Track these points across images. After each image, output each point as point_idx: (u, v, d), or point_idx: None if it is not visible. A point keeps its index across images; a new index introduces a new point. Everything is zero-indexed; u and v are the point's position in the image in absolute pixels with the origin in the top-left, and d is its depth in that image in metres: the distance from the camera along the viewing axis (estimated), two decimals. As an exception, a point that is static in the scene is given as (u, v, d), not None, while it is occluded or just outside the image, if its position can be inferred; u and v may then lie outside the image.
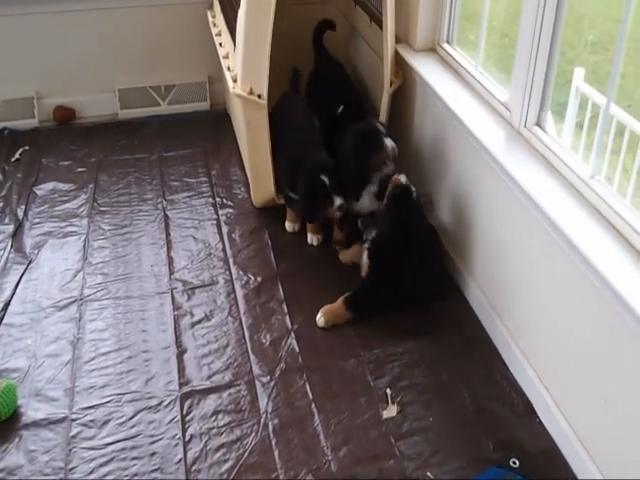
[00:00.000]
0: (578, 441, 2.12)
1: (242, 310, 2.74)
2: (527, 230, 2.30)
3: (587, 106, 2.95)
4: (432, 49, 3.17)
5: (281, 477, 2.12)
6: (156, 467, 2.14)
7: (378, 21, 3.27)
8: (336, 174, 2.85)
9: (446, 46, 3.10)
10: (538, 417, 2.31)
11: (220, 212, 3.31)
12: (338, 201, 2.83)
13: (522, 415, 2.32)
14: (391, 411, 2.33)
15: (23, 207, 3.30)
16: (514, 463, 2.13)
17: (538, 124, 2.45)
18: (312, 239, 3.10)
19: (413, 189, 2.66)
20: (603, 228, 2.01)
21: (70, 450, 2.19)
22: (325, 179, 2.81)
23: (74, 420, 2.28)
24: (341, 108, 3.33)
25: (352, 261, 2.90)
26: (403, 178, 2.66)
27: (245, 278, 2.90)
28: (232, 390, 2.40)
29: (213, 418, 2.30)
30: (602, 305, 1.91)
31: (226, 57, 3.34)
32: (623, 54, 1.97)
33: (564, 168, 2.24)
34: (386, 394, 2.38)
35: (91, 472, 2.12)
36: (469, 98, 2.77)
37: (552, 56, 2.35)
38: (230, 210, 3.32)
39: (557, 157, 2.28)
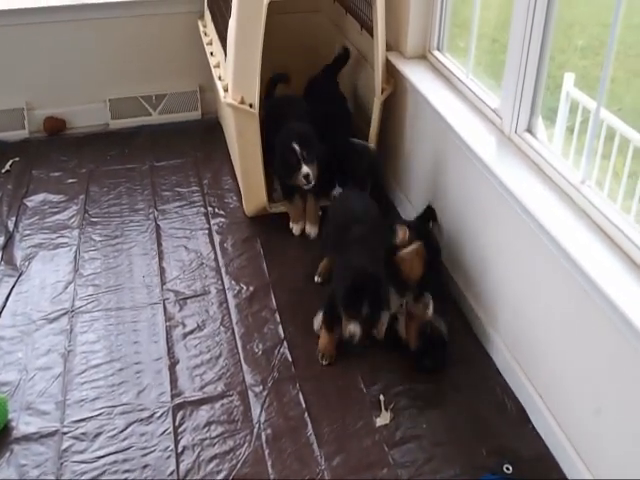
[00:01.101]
0: (571, 447, 2.11)
1: (234, 320, 2.72)
2: (518, 236, 2.29)
3: (577, 111, 2.96)
4: (423, 56, 3.18)
5: (274, 488, 2.11)
6: (149, 479, 2.13)
7: (369, 29, 3.27)
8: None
9: (437, 53, 3.10)
10: (531, 423, 2.30)
11: (212, 221, 3.29)
12: (305, 169, 2.88)
13: (515, 421, 2.31)
14: (385, 418, 2.31)
15: (13, 219, 3.28)
16: (507, 469, 2.13)
17: (529, 130, 2.45)
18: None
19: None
20: (593, 233, 2.01)
21: (62, 464, 2.16)
22: (296, 146, 2.86)
23: (65, 433, 2.26)
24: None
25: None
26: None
27: (237, 288, 2.88)
28: (225, 401, 2.38)
29: (206, 429, 2.28)
30: (594, 310, 1.90)
31: (217, 66, 3.34)
32: (612, 58, 1.98)
33: (555, 174, 2.24)
34: (379, 401, 2.37)
35: (83, 486, 2.10)
36: (460, 105, 2.77)
37: (542, 62, 2.35)
38: (222, 219, 3.31)
39: (548, 163, 2.28)
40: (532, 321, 2.28)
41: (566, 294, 2.06)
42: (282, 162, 2.98)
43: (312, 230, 3.15)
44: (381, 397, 2.38)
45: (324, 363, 2.50)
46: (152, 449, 2.21)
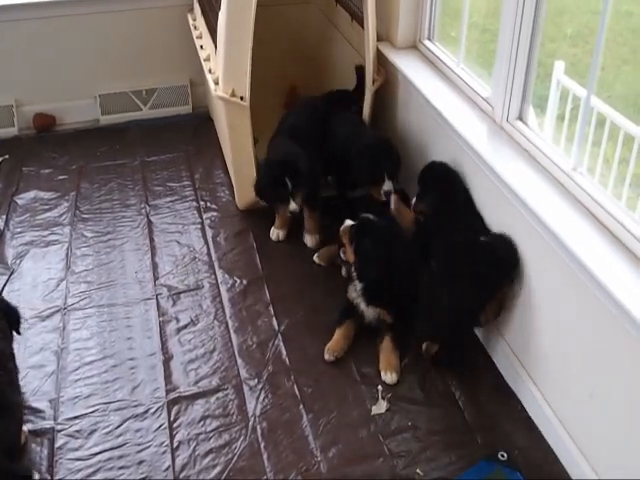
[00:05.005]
0: (565, 432, 2.12)
1: (228, 314, 2.71)
2: (510, 223, 2.29)
3: (568, 98, 2.96)
4: (413, 46, 3.17)
5: (271, 480, 2.10)
6: (144, 475, 2.12)
7: (359, 20, 3.26)
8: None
9: (427, 43, 3.10)
10: (525, 410, 2.30)
11: (204, 216, 3.28)
12: (293, 205, 2.83)
13: (510, 409, 2.32)
14: (380, 407, 2.31)
15: (4, 217, 3.25)
16: (502, 456, 2.13)
17: (520, 118, 2.45)
18: (309, 241, 3.06)
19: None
20: (585, 218, 2.02)
21: (56, 461, 2.15)
22: (288, 181, 2.79)
23: (59, 431, 2.25)
24: None
25: (328, 261, 2.91)
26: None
27: (231, 281, 2.87)
28: (220, 394, 2.38)
29: (201, 423, 2.28)
30: (586, 295, 1.90)
31: (207, 60, 3.32)
32: (602, 46, 1.97)
33: (546, 161, 2.24)
34: (377, 390, 2.37)
35: (78, 483, 2.09)
36: (451, 94, 2.77)
37: (533, 50, 2.35)
38: (214, 213, 3.30)
39: (539, 150, 2.28)
40: (525, 306, 2.28)
41: (558, 279, 2.06)
42: (270, 192, 2.90)
43: (309, 240, 3.06)
44: (379, 387, 2.38)
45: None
46: (147, 445, 2.20)
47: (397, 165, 2.90)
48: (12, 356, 2.20)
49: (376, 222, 2.54)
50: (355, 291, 2.55)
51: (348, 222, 2.57)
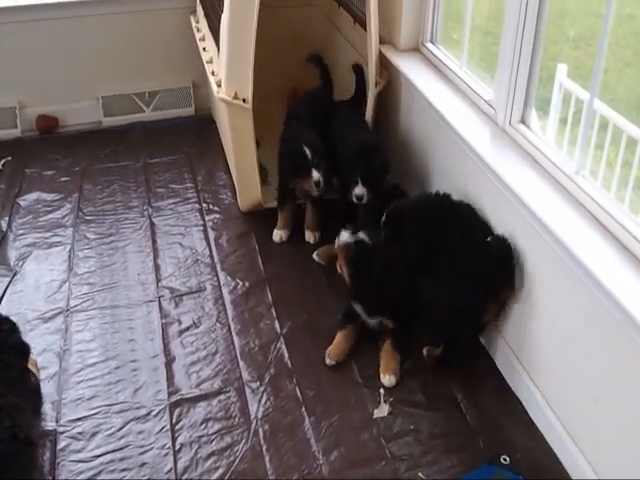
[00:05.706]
0: (568, 436, 2.12)
1: (230, 316, 2.71)
2: (513, 226, 2.29)
3: (570, 101, 2.95)
4: (416, 49, 3.17)
5: (272, 483, 2.10)
6: (146, 478, 2.12)
7: (362, 22, 3.26)
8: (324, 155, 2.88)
9: (430, 46, 3.10)
10: (528, 414, 2.30)
11: (207, 218, 3.28)
12: (316, 175, 2.83)
13: (512, 412, 2.32)
14: (382, 410, 2.31)
15: (7, 218, 3.26)
16: (505, 460, 2.13)
17: (523, 121, 2.45)
18: (309, 237, 3.10)
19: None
20: (587, 221, 2.01)
21: (58, 463, 2.15)
22: (307, 151, 2.83)
23: (62, 433, 2.25)
24: None
25: (328, 260, 2.90)
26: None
27: (233, 283, 2.87)
28: (222, 397, 2.38)
29: (203, 426, 2.28)
30: (590, 300, 1.90)
31: (210, 62, 3.33)
32: (605, 49, 1.97)
33: (549, 164, 2.24)
34: (379, 393, 2.37)
35: (80, 485, 2.10)
36: (454, 97, 2.77)
37: (535, 53, 2.36)
38: (217, 215, 3.30)
39: (542, 154, 2.28)
40: (527, 310, 2.28)
41: (561, 283, 2.05)
42: (292, 165, 2.91)
43: (310, 236, 3.10)
44: (381, 390, 2.38)
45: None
46: (149, 447, 2.21)
47: (377, 171, 2.81)
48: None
49: (371, 245, 2.47)
50: (357, 306, 2.55)
51: (344, 237, 2.49)
